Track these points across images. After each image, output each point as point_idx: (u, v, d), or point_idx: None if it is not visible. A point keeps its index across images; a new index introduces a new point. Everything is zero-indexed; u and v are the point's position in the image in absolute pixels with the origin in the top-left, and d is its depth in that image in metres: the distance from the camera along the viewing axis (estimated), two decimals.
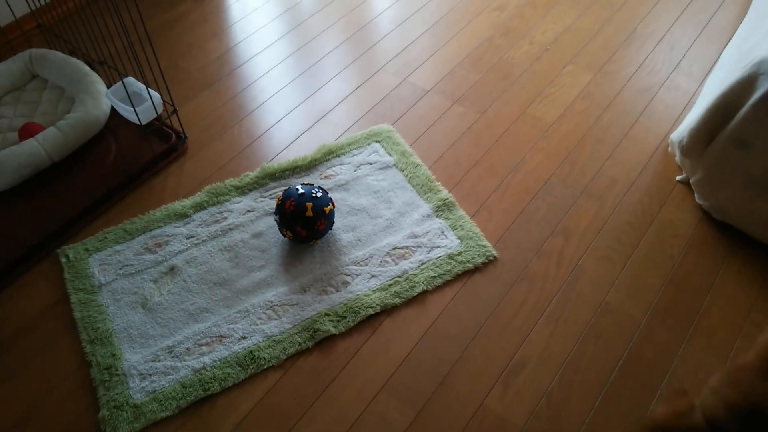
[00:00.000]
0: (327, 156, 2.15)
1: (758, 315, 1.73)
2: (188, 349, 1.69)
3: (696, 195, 1.95)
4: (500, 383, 1.62)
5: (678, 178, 2.01)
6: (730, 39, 2.13)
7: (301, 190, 1.82)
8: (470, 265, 1.85)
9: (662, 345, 1.68)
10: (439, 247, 1.89)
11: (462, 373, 1.64)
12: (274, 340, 1.70)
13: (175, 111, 2.15)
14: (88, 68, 2.27)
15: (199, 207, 2.01)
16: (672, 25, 2.62)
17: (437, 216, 1.97)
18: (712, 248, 1.87)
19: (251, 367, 1.66)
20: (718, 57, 2.42)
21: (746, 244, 1.87)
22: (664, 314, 1.74)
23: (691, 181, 1.96)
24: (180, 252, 1.90)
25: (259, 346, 1.69)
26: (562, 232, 1.93)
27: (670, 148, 2.08)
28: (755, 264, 1.83)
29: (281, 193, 1.87)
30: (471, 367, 1.65)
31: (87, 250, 1.91)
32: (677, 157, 1.99)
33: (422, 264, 1.85)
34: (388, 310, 1.77)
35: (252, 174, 2.09)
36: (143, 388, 1.62)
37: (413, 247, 1.89)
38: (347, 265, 1.85)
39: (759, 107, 1.63)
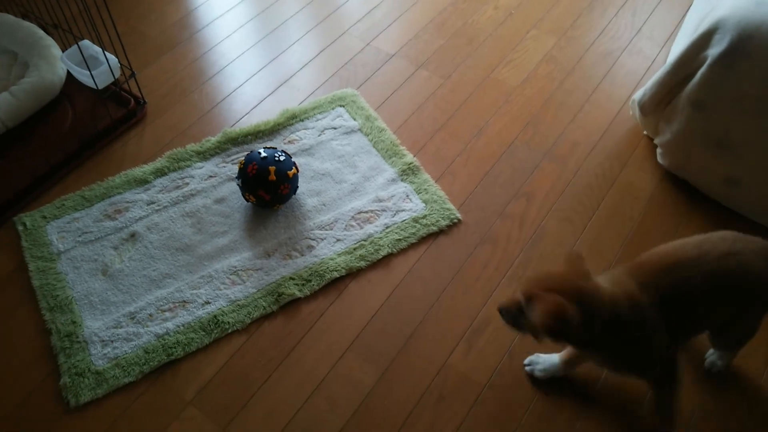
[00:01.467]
0: (290, 120, 2.13)
1: None
2: (150, 315, 1.67)
3: (658, 154, 1.98)
4: (463, 342, 1.64)
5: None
6: (691, 4, 2.15)
7: (263, 154, 1.80)
8: (435, 228, 1.86)
9: None
10: (403, 210, 1.89)
11: (426, 334, 1.66)
12: (238, 305, 1.69)
13: (133, 75, 2.10)
14: (42, 32, 2.20)
15: (160, 173, 1.97)
16: None
17: (402, 180, 1.97)
18: (671, 208, 1.91)
19: (215, 331, 1.65)
20: (680, 22, 2.44)
21: (704, 204, 1.91)
22: None
23: (655, 141, 1.98)
24: (141, 218, 1.87)
25: (222, 311, 1.68)
26: (525, 194, 1.95)
27: (631, 111, 2.10)
28: (713, 223, 1.87)
29: (243, 157, 1.85)
30: (435, 327, 1.67)
31: (44, 217, 1.87)
32: (638, 117, 2.02)
33: (387, 227, 1.85)
34: (353, 274, 1.77)
35: (213, 139, 2.06)
36: (105, 354, 1.60)
37: (378, 210, 1.89)
38: (312, 230, 1.85)
39: (714, 69, 1.65)
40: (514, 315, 1.29)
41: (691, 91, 1.73)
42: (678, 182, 1.96)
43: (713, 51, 1.64)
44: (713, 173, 1.83)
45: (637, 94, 1.97)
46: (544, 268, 1.34)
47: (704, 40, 1.67)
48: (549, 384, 1.56)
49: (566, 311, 1.16)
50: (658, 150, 1.97)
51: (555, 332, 1.19)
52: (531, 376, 1.57)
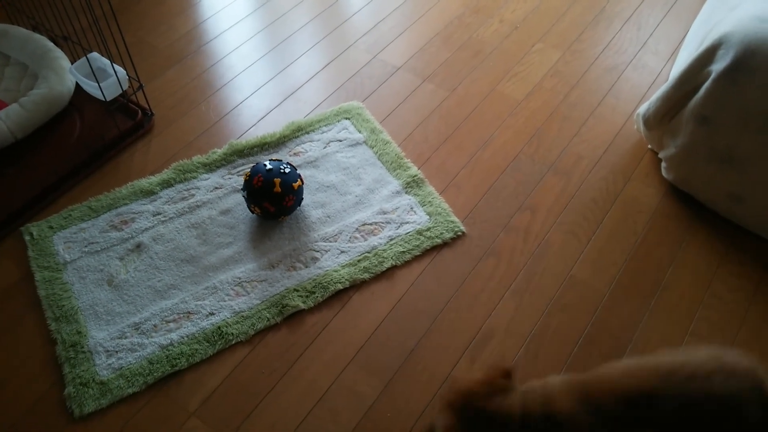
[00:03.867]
0: (296, 133, 2.14)
1: (719, 287, 1.77)
2: (155, 325, 1.68)
3: (662, 168, 1.98)
4: (467, 355, 1.64)
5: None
6: (696, 18, 2.16)
7: (269, 166, 1.81)
8: (439, 241, 1.86)
9: (625, 317, 1.71)
10: (408, 223, 1.90)
11: (430, 346, 1.66)
12: (242, 316, 1.70)
13: (141, 87, 2.12)
14: (51, 44, 2.22)
15: (166, 184, 1.99)
16: (640, 5, 2.64)
17: (406, 192, 1.97)
18: (675, 223, 1.91)
19: (219, 342, 1.65)
20: (685, 36, 2.45)
21: (708, 218, 1.91)
22: (627, 287, 1.77)
23: (659, 155, 1.99)
24: (146, 229, 1.88)
25: (227, 322, 1.68)
26: (529, 207, 1.95)
27: (635, 125, 2.11)
28: (716, 238, 1.87)
29: (249, 169, 1.86)
30: (438, 340, 1.67)
31: (51, 227, 1.88)
32: (642, 131, 2.02)
33: (391, 240, 1.86)
34: (357, 286, 1.78)
35: (220, 151, 2.08)
36: (109, 364, 1.61)
37: (382, 223, 1.90)
38: (316, 242, 1.86)
39: (718, 84, 1.65)
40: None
41: (695, 105, 1.73)
42: (682, 196, 1.96)
43: (717, 66, 1.65)
44: (717, 188, 1.83)
45: (642, 108, 1.98)
46: (470, 375, 1.23)
47: (708, 55, 1.67)
48: None
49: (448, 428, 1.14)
50: (663, 164, 1.98)
51: None
52: None
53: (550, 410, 1.13)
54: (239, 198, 1.96)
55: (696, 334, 1.68)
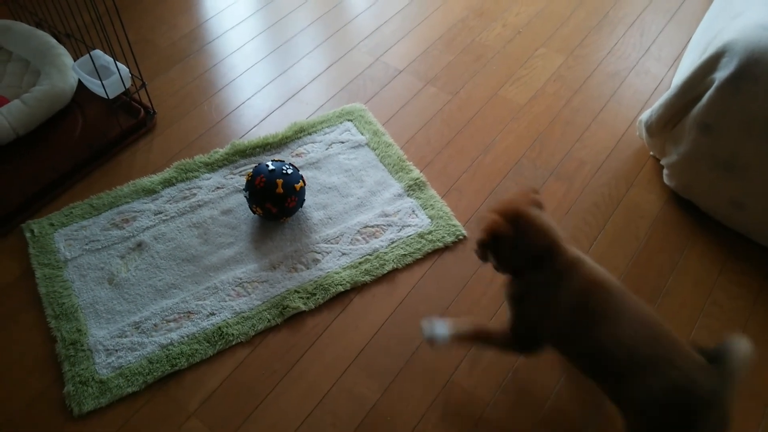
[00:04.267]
0: (298, 134, 2.14)
1: (720, 294, 1.77)
2: (155, 325, 1.68)
3: (664, 175, 1.98)
4: (468, 359, 1.64)
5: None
6: (699, 25, 2.16)
7: (271, 167, 1.81)
8: (440, 244, 1.86)
9: None
10: (409, 225, 1.90)
11: (430, 350, 1.66)
12: (243, 317, 1.69)
13: (143, 85, 2.12)
14: (54, 41, 2.22)
15: (168, 183, 1.98)
16: (643, 11, 2.65)
17: (408, 195, 1.97)
18: (677, 230, 1.91)
19: (219, 343, 1.65)
20: (688, 42, 2.45)
21: (710, 225, 1.92)
22: None
23: (661, 162, 1.99)
24: (148, 228, 1.88)
25: (227, 323, 1.68)
26: None
27: (637, 132, 2.11)
28: (717, 246, 1.88)
29: (251, 169, 1.86)
30: None
31: (52, 225, 1.88)
32: (644, 138, 2.03)
33: (393, 242, 1.86)
34: (358, 288, 1.77)
35: (222, 151, 2.07)
36: (109, 363, 1.60)
37: (384, 225, 1.90)
38: (318, 243, 1.85)
39: (721, 92, 1.65)
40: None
41: (698, 113, 1.73)
42: (684, 203, 1.96)
43: (720, 74, 1.65)
44: (719, 195, 1.83)
45: (644, 115, 1.98)
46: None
47: (712, 63, 1.68)
48: (554, 403, 1.56)
49: (498, 227, 1.29)
50: (665, 171, 1.98)
51: (488, 245, 1.33)
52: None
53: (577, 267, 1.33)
54: (241, 198, 1.95)
55: (697, 343, 1.68)
